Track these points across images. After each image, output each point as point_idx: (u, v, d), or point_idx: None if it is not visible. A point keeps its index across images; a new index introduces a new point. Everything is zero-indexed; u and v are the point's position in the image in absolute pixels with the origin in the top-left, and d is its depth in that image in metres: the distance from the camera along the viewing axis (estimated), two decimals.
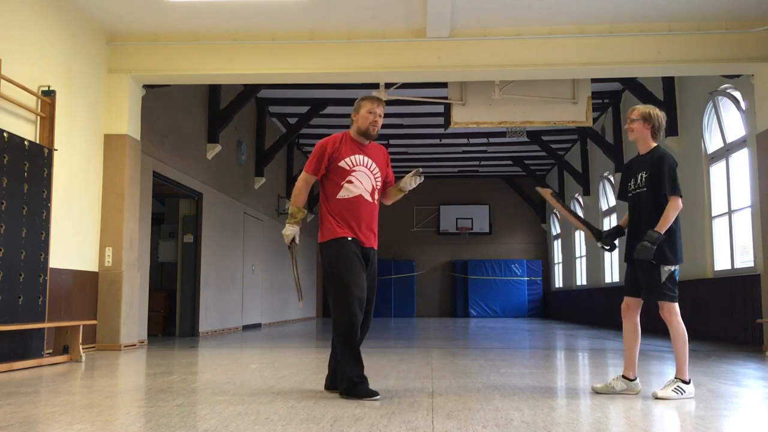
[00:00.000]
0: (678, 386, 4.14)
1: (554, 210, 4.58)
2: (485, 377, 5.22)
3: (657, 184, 4.24)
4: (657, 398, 4.11)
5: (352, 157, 4.31)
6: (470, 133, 16.61)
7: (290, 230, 4.32)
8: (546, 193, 4.88)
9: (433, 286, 23.81)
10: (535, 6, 7.96)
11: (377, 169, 4.39)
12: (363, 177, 4.32)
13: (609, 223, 15.56)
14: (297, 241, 4.36)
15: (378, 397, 4.03)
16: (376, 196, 4.40)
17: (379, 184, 4.42)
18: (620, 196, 4.58)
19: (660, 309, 4.23)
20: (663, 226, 4.15)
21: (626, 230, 4.46)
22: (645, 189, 4.28)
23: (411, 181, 4.47)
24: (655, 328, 11.39)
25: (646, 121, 4.36)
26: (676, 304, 4.20)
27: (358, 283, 4.12)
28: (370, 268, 4.31)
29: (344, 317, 4.07)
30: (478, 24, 8.43)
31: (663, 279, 4.17)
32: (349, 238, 4.21)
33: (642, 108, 4.41)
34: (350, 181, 4.28)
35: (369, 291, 4.26)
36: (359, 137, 4.38)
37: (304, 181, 4.37)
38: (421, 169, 4.54)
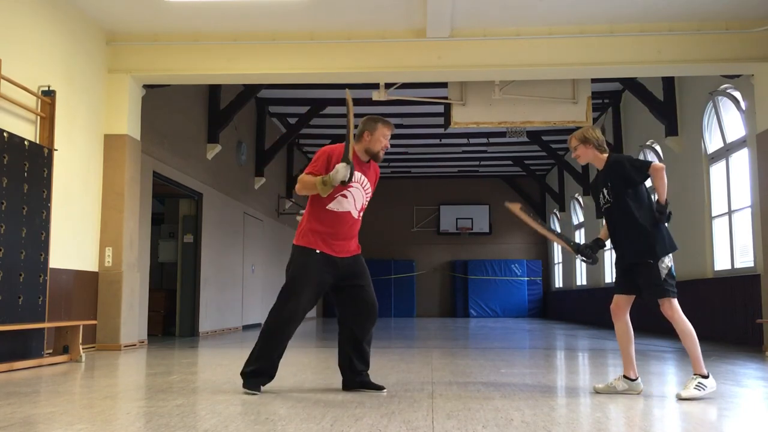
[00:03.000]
0: (699, 383, 4.13)
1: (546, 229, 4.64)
2: (485, 377, 5.22)
3: (626, 183, 4.30)
4: (682, 399, 4.08)
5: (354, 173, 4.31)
6: (470, 133, 16.61)
7: (340, 169, 4.09)
8: (515, 207, 4.86)
9: (433, 286, 23.80)
10: (535, 6, 7.96)
11: (369, 189, 4.47)
12: (357, 194, 4.38)
13: None
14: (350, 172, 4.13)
15: (257, 394, 4.16)
16: (361, 214, 4.46)
17: (367, 202, 4.49)
18: (598, 215, 4.66)
19: (661, 306, 4.24)
20: (662, 196, 4.23)
21: (607, 242, 4.57)
22: (612, 200, 4.36)
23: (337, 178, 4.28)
24: (654, 327, 11.40)
25: (584, 143, 4.49)
26: (676, 300, 4.23)
27: (304, 295, 4.24)
28: (353, 271, 4.38)
29: (276, 318, 4.25)
30: (478, 24, 8.42)
31: (663, 276, 4.19)
32: (318, 252, 4.26)
33: (576, 133, 4.54)
34: (345, 196, 4.32)
35: (364, 291, 4.39)
36: (364, 155, 4.40)
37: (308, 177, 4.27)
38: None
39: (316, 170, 4.26)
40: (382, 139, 4.37)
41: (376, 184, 4.59)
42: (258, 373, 4.29)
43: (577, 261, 18.57)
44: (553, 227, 17.33)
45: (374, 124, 4.39)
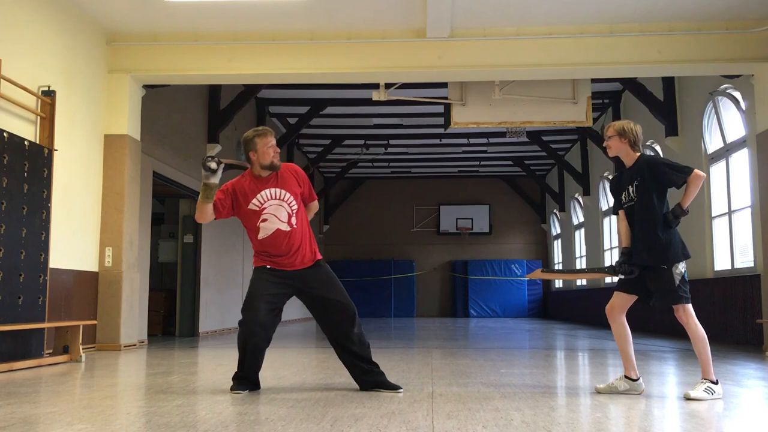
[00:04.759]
0: (708, 386, 4.12)
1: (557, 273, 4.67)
2: (485, 377, 5.22)
3: (660, 184, 4.25)
4: (689, 399, 4.07)
5: (259, 196, 4.38)
6: (470, 133, 16.62)
7: (209, 174, 4.18)
8: (537, 275, 4.84)
9: (433, 286, 23.81)
10: (535, 6, 7.96)
11: (289, 196, 4.44)
12: (277, 209, 4.39)
13: (609, 222, 15.56)
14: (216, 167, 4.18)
15: (240, 393, 4.26)
16: (294, 221, 4.42)
17: (296, 207, 4.46)
18: (615, 211, 4.58)
19: (675, 312, 4.22)
20: (686, 202, 4.18)
21: (632, 240, 4.38)
22: (636, 198, 4.30)
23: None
24: (654, 327, 11.40)
25: (621, 137, 4.39)
26: (690, 305, 4.20)
27: (260, 309, 4.31)
28: (311, 283, 4.42)
29: (240, 332, 4.38)
30: (478, 24, 8.42)
31: (677, 282, 4.16)
32: (267, 267, 4.41)
33: (617, 124, 4.45)
34: (265, 220, 4.37)
35: (330, 299, 4.41)
36: (263, 171, 4.41)
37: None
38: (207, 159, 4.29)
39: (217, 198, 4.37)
40: (267, 150, 4.37)
41: (305, 180, 4.58)
42: (241, 379, 4.41)
43: (578, 262, 18.58)
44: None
45: (252, 141, 4.38)
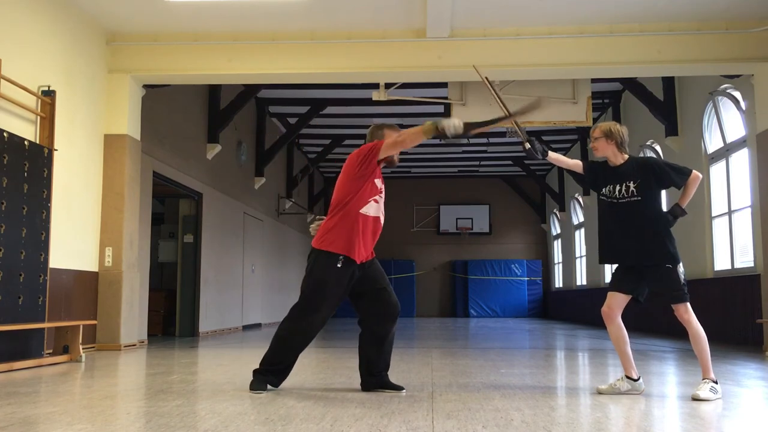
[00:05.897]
0: (712, 386, 4.14)
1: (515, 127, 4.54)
2: (485, 377, 5.22)
3: (660, 184, 4.28)
4: (698, 400, 4.06)
5: (378, 180, 4.37)
6: None
7: (454, 121, 4.20)
8: (482, 73, 4.83)
9: (433, 286, 23.80)
10: (535, 6, 7.96)
11: (384, 193, 4.49)
12: (381, 202, 4.42)
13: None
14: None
15: (262, 393, 4.20)
16: (383, 220, 4.46)
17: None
18: (596, 189, 4.57)
19: (676, 310, 4.24)
20: (684, 202, 4.26)
21: (615, 238, 4.41)
22: (639, 198, 4.28)
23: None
24: (654, 328, 11.40)
25: (608, 138, 4.40)
26: (689, 303, 4.23)
27: (325, 308, 4.25)
28: (372, 275, 4.39)
29: (293, 328, 4.28)
30: (478, 24, 8.43)
31: (682, 280, 4.20)
32: (341, 258, 4.20)
33: (603, 125, 4.46)
34: (376, 201, 4.34)
35: (386, 292, 4.43)
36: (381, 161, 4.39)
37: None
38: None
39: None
40: None
41: None
42: (268, 375, 4.36)
43: (577, 261, 18.59)
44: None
45: (381, 131, 4.37)
